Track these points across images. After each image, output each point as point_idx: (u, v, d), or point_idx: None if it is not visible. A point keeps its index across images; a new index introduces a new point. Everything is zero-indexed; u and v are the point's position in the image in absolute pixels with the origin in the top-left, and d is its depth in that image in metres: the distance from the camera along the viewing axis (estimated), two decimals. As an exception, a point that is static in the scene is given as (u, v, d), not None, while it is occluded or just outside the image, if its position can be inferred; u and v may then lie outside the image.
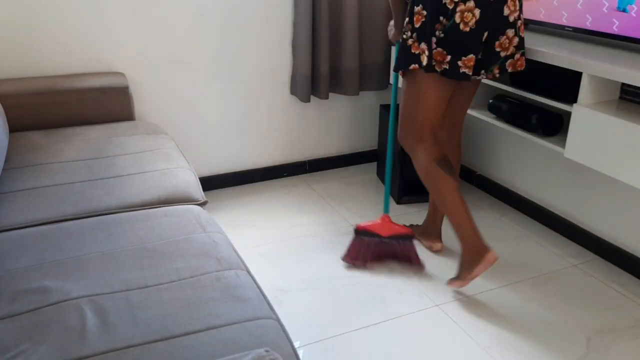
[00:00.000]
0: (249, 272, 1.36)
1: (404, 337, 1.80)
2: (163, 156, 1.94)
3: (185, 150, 2.68)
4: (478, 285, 2.06)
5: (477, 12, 1.71)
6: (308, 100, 2.73)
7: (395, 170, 2.64)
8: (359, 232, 2.14)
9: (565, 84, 1.92)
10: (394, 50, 2.68)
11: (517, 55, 1.85)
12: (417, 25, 1.79)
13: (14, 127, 2.11)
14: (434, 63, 1.80)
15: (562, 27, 2.10)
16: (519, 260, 2.23)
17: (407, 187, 2.66)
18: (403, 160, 2.59)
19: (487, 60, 1.81)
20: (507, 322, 1.87)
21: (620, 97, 1.91)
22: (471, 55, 1.76)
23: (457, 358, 1.72)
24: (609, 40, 2.05)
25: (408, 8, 1.85)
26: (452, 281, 1.99)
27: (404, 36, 1.84)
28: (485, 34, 1.75)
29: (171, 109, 2.58)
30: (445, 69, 1.79)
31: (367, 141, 3.11)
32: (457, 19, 1.72)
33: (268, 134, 2.83)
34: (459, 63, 1.77)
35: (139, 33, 2.40)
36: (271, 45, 2.67)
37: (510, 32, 1.79)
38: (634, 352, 1.74)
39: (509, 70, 1.86)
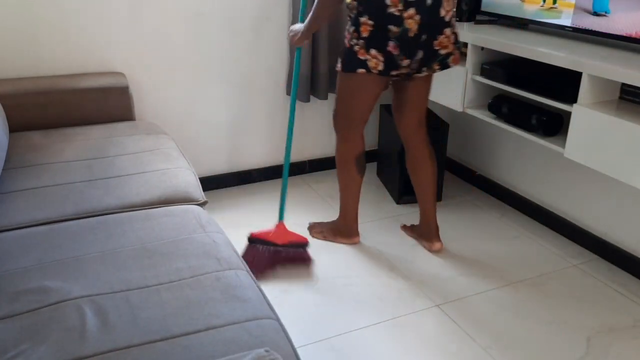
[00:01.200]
0: (248, 272, 1.36)
1: (404, 337, 1.80)
2: (163, 156, 1.94)
3: (185, 150, 2.67)
4: (478, 285, 2.06)
5: (417, 17, 1.86)
6: (307, 100, 2.73)
7: (395, 170, 2.64)
8: (253, 240, 2.08)
9: (565, 84, 1.92)
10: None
11: (456, 51, 2.00)
12: (364, 35, 1.90)
13: (14, 127, 2.11)
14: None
15: (562, 27, 2.10)
16: (519, 260, 2.23)
17: (407, 187, 2.66)
18: (403, 160, 2.58)
19: (429, 59, 1.95)
20: (507, 322, 1.88)
21: (620, 97, 1.91)
22: (418, 57, 1.93)
23: (457, 358, 1.72)
24: (609, 40, 2.05)
25: (351, 19, 1.93)
26: (313, 228, 2.39)
27: (351, 42, 1.95)
28: (424, 36, 1.90)
29: (171, 109, 2.58)
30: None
31: (367, 141, 3.10)
32: (406, 25, 1.87)
33: (268, 134, 2.83)
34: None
35: (139, 33, 2.40)
36: (272, 45, 2.67)
37: (448, 31, 1.93)
38: (634, 352, 1.74)
39: (451, 65, 2.02)
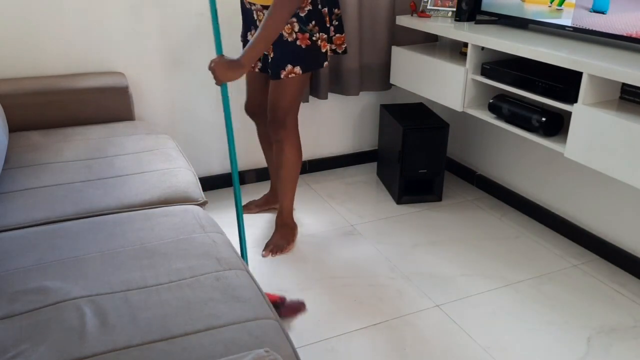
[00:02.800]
0: (248, 272, 1.35)
1: (404, 337, 1.80)
2: (163, 156, 1.94)
3: (185, 150, 2.67)
4: (478, 285, 2.06)
5: None
6: (306, 100, 2.73)
7: (395, 170, 2.64)
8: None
9: (565, 83, 1.92)
10: (393, 51, 2.68)
11: None
12: (328, 25, 1.98)
13: (14, 127, 2.11)
14: (334, 48, 2.08)
15: (562, 27, 2.10)
16: (519, 260, 2.23)
17: (407, 187, 2.66)
18: (403, 160, 2.59)
19: None
20: (507, 322, 1.87)
21: (621, 97, 1.91)
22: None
23: (457, 358, 1.72)
24: (610, 40, 2.05)
25: (309, 11, 1.94)
26: (272, 252, 2.24)
27: (313, 38, 1.97)
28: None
29: (171, 109, 2.58)
30: (345, 48, 2.12)
31: (367, 141, 3.11)
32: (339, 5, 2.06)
33: (268, 134, 2.83)
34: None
35: (139, 33, 2.40)
36: (271, 45, 2.66)
37: None
38: (634, 352, 1.74)
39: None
